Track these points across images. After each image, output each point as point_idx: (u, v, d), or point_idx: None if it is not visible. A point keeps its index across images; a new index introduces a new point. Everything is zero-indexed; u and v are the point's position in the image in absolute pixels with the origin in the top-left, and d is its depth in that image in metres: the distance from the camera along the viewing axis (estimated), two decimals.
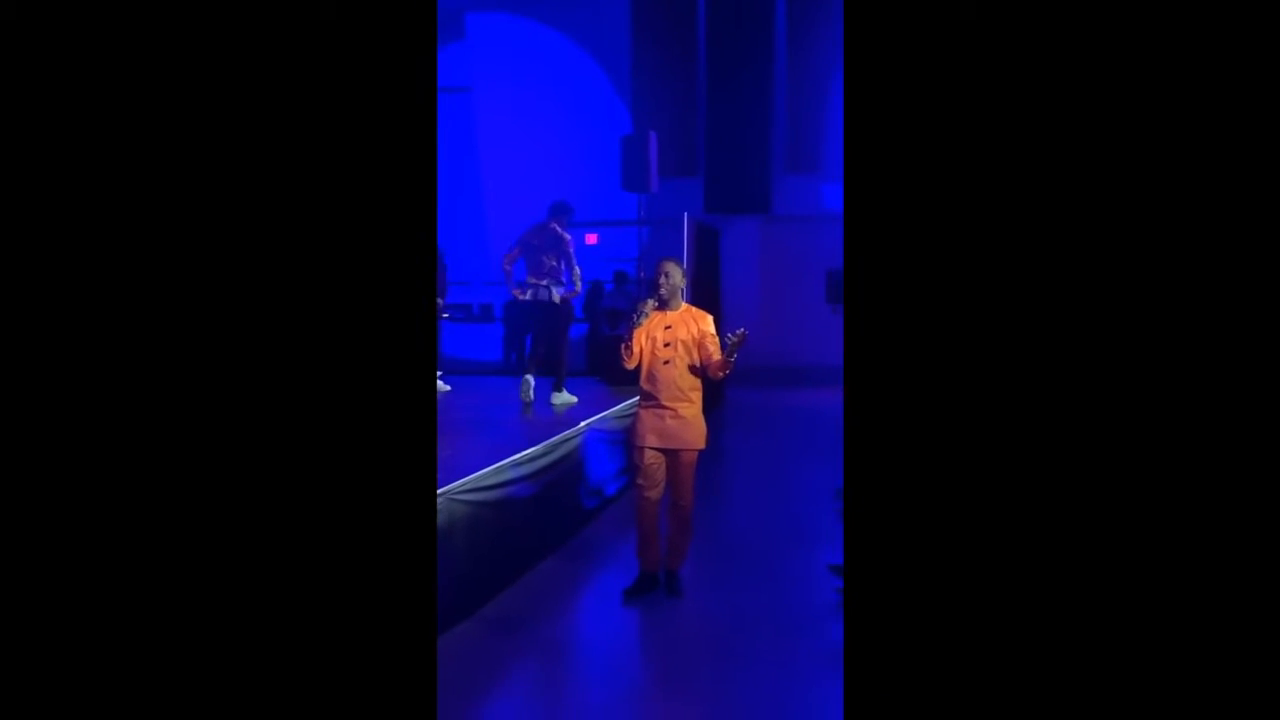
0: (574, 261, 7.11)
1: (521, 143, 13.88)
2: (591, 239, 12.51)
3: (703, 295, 10.54)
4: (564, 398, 7.36)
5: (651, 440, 4.65)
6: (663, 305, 4.62)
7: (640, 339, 4.59)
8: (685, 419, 4.66)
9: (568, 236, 6.96)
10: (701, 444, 4.73)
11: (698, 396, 4.70)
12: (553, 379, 7.54)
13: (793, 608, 4.58)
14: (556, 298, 7.01)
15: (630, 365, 4.63)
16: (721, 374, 4.63)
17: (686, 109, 13.41)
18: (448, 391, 8.34)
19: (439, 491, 4.71)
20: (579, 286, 7.26)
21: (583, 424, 6.30)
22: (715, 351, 4.54)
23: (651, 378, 4.63)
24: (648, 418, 4.67)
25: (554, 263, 7.00)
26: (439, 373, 8.74)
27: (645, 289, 4.83)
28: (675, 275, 4.67)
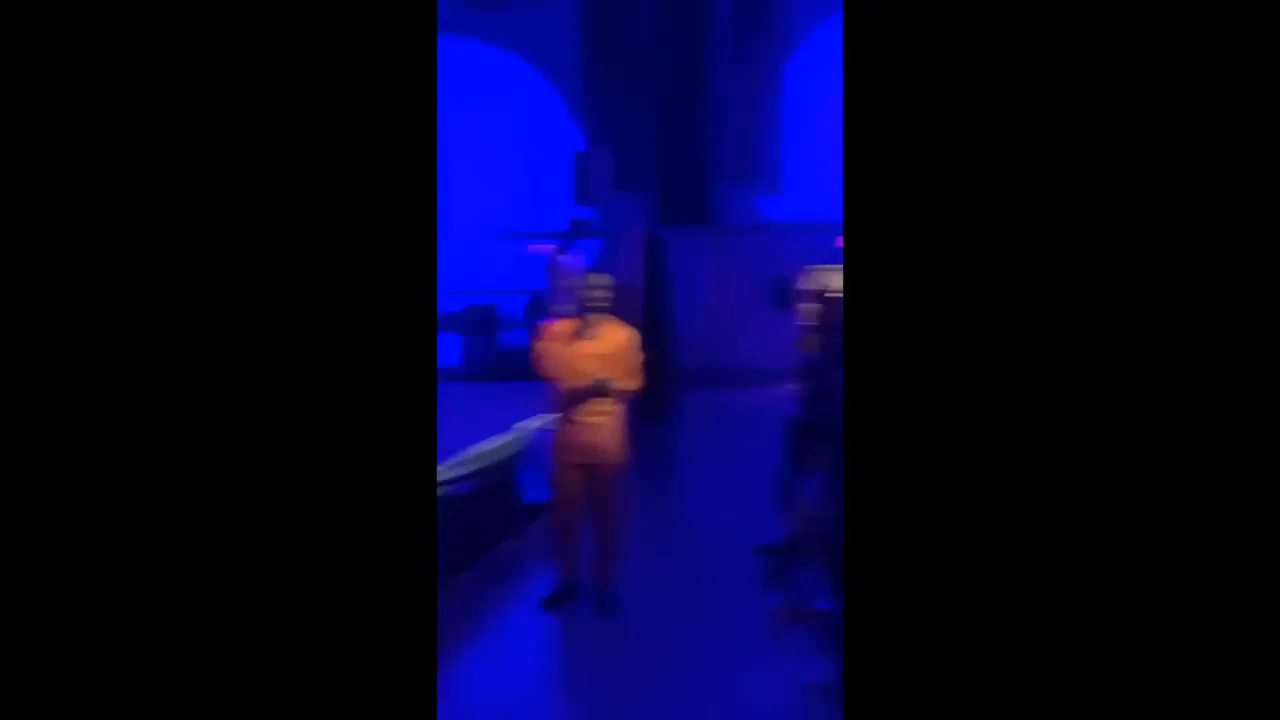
0: None
1: (477, 159, 14.05)
2: (552, 250, 12.72)
3: (653, 304, 10.81)
4: None
5: (564, 455, 4.43)
6: (583, 315, 4.39)
7: (555, 349, 4.34)
8: (604, 431, 4.40)
9: None
10: (621, 458, 4.49)
11: (618, 408, 4.46)
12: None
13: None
14: None
15: (544, 373, 4.36)
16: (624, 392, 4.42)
17: (638, 123, 13.60)
18: None
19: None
20: None
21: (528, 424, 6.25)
22: (632, 368, 4.41)
23: (567, 389, 4.36)
24: (563, 430, 4.42)
25: None
26: None
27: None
28: (597, 288, 4.42)
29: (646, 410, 10.16)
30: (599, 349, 4.33)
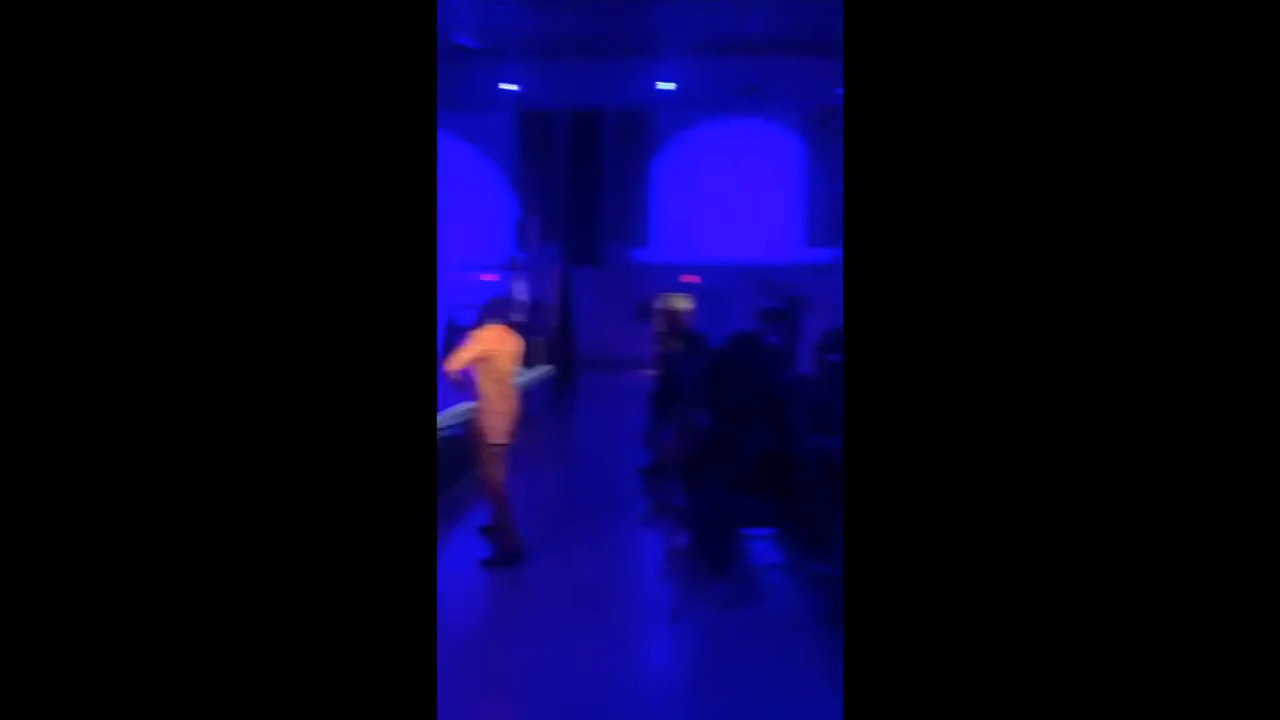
0: None
1: (446, 214, 13.91)
2: (491, 278, 12.79)
3: (564, 316, 11.05)
4: None
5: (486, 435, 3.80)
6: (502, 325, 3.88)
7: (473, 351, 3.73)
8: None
9: None
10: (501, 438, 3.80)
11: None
12: None
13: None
14: None
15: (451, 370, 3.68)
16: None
17: (553, 198, 13.70)
18: None
19: None
20: None
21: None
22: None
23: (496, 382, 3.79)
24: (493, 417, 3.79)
25: None
26: None
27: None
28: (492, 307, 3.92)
29: (558, 386, 10.43)
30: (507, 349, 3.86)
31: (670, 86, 12.31)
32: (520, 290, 9.42)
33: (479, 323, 3.91)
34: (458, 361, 3.72)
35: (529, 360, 9.24)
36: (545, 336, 10.29)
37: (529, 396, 7.99)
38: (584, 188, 13.51)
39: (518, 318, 8.66)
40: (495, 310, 3.89)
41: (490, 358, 3.76)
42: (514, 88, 13.47)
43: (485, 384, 3.78)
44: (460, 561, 3.93)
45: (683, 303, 9.14)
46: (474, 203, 13.79)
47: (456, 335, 3.72)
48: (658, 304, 13.83)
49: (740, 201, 13.65)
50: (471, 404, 4.05)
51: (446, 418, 5.33)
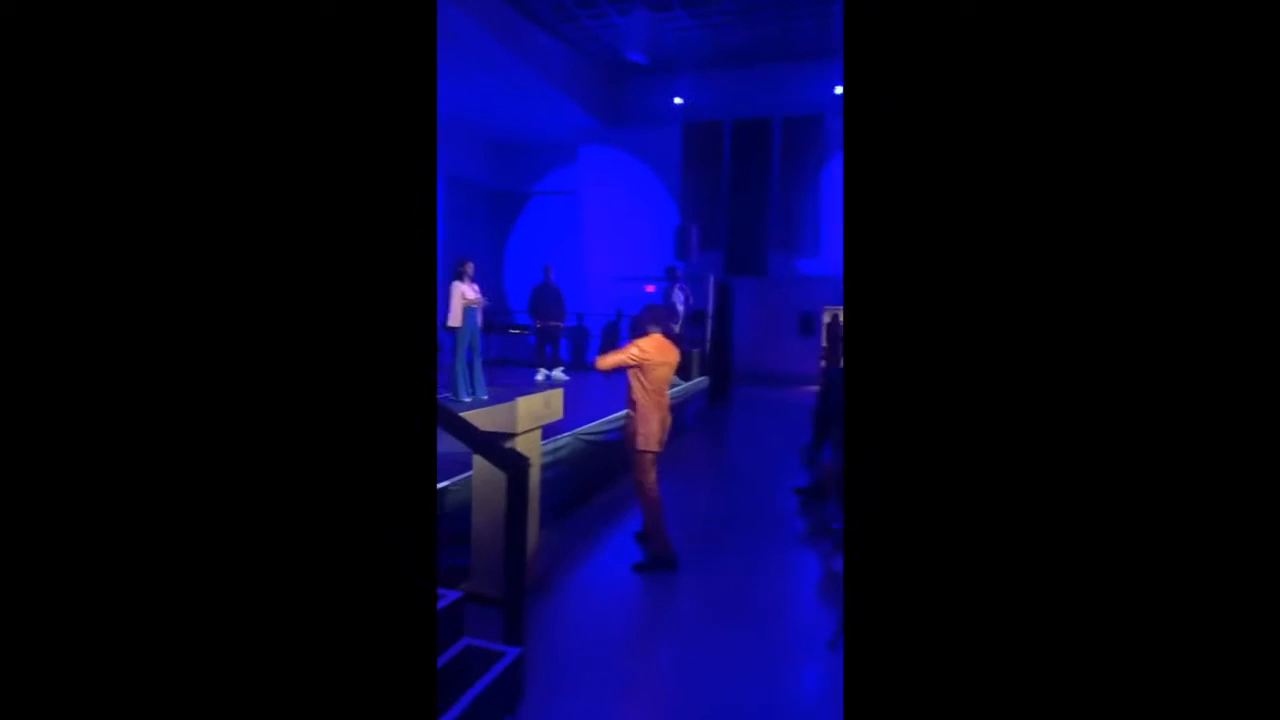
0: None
1: (611, 226, 14.39)
2: (650, 288, 13.02)
3: (721, 327, 10.98)
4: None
5: (648, 442, 3.78)
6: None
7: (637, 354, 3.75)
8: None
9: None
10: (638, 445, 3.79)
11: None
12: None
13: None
14: None
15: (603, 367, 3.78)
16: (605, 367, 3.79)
17: (715, 208, 13.74)
18: (566, 380, 8.32)
19: (570, 432, 4.99)
20: None
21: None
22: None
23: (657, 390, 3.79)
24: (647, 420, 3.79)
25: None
26: (559, 367, 9.23)
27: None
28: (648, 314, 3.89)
29: (713, 398, 10.36)
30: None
31: None
32: (677, 300, 9.46)
33: (636, 331, 3.94)
34: (608, 362, 3.77)
35: (684, 371, 9.29)
36: (701, 348, 10.27)
37: (683, 407, 8.02)
38: (749, 197, 13.36)
39: (674, 327, 8.70)
40: (652, 319, 3.90)
41: (647, 366, 3.77)
42: (681, 101, 13.67)
43: (640, 392, 3.80)
44: (615, 564, 3.98)
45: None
46: (640, 215, 14.14)
47: (612, 336, 3.76)
48: (824, 317, 13.42)
49: None
50: (625, 411, 4.12)
51: (603, 424, 5.46)
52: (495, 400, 4.06)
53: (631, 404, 3.81)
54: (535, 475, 3.67)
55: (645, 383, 3.77)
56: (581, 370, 11.37)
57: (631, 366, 3.75)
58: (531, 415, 3.55)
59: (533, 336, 10.25)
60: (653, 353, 3.77)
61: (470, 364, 4.87)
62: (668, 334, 3.90)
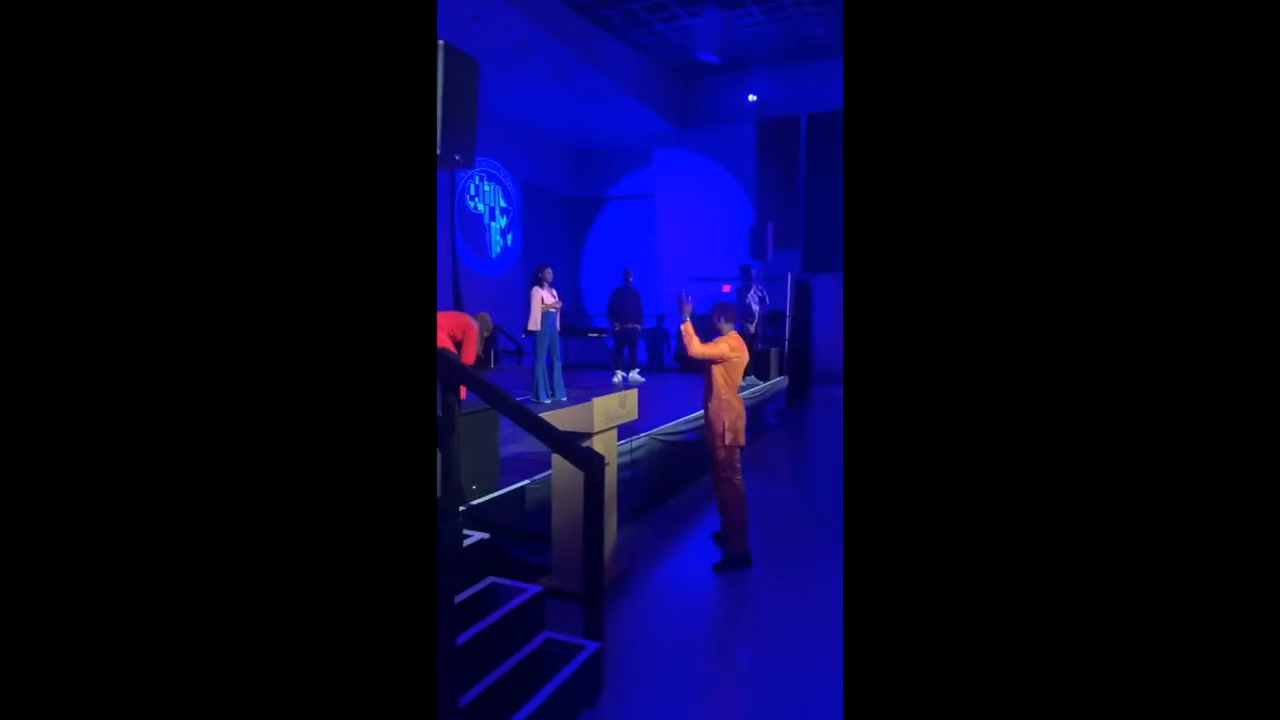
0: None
1: (686, 228, 14.43)
2: (726, 289, 12.97)
3: (799, 326, 10.84)
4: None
5: (733, 435, 3.85)
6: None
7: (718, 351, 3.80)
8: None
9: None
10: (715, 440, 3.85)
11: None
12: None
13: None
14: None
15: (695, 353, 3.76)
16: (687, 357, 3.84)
17: (791, 205, 13.63)
18: (642, 382, 8.46)
19: (647, 433, 5.12)
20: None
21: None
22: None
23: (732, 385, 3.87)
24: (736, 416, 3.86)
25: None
26: (636, 369, 9.34)
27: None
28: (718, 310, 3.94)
29: (791, 398, 10.24)
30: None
31: None
32: (752, 300, 9.42)
33: (707, 327, 3.97)
34: (702, 350, 3.75)
35: (762, 370, 9.22)
36: (780, 347, 10.17)
37: (763, 407, 7.96)
38: (826, 192, 13.12)
39: (750, 326, 8.64)
40: (726, 317, 3.93)
41: (729, 364, 3.82)
42: (755, 98, 13.57)
43: (721, 389, 3.85)
44: (693, 564, 4.02)
45: None
46: (716, 215, 14.10)
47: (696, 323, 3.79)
48: None
49: None
50: (700, 411, 4.24)
51: (679, 424, 5.48)
52: (573, 402, 4.16)
53: (715, 400, 3.85)
54: (612, 474, 3.74)
55: (725, 380, 3.84)
56: (660, 372, 11.44)
57: (718, 362, 3.81)
58: (607, 415, 3.63)
59: (610, 339, 10.43)
60: (734, 349, 3.85)
61: (550, 367, 4.99)
62: (740, 331, 4.00)
